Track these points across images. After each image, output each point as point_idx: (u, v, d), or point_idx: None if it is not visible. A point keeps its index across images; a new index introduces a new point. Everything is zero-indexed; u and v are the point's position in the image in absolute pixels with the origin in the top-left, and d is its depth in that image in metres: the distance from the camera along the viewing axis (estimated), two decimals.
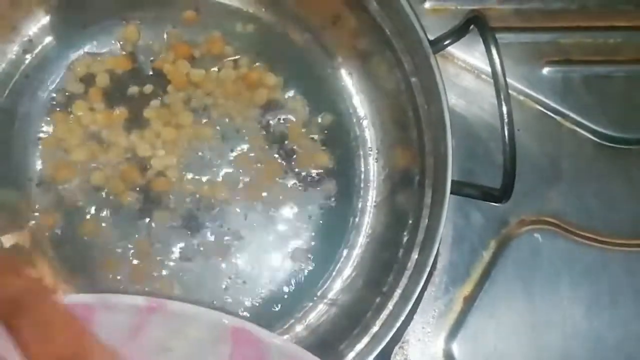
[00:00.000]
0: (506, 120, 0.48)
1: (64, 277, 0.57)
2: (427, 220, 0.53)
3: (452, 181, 0.51)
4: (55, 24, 0.59)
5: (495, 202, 0.52)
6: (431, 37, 0.55)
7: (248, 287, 0.58)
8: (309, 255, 0.58)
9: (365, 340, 0.51)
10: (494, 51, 0.49)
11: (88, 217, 0.57)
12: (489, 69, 0.51)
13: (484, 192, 0.53)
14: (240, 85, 0.60)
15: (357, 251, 0.59)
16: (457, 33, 0.53)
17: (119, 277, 0.57)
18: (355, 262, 0.59)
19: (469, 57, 0.63)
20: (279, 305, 0.58)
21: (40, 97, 0.59)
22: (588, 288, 0.61)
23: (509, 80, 0.61)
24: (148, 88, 0.59)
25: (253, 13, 0.61)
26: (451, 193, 0.51)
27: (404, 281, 0.52)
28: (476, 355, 0.59)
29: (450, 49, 0.61)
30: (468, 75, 0.63)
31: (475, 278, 0.60)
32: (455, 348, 0.59)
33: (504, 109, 0.48)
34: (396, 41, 0.55)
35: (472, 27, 0.52)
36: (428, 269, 0.50)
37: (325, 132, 0.60)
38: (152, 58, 0.60)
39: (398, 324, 0.50)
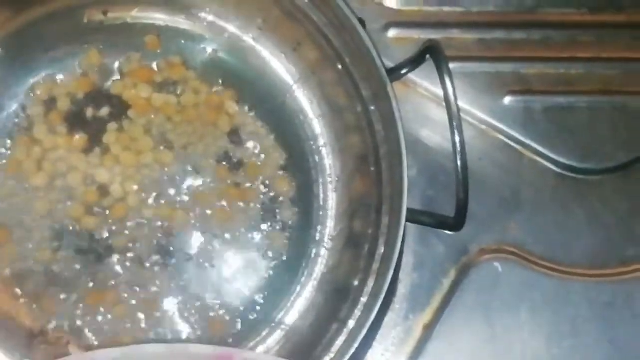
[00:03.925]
0: (459, 149, 0.49)
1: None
2: (383, 248, 0.53)
3: (408, 209, 0.51)
4: (16, 48, 0.59)
5: (450, 231, 0.52)
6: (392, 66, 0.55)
7: (205, 314, 0.57)
8: (267, 283, 0.58)
9: None
10: (447, 80, 0.49)
11: (45, 241, 0.57)
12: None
13: (439, 220, 0.53)
14: (201, 111, 0.60)
15: (315, 279, 0.59)
16: (414, 62, 0.54)
17: (73, 300, 0.57)
18: (313, 289, 0.58)
19: (431, 86, 0.63)
20: (236, 332, 0.57)
21: (0, 120, 0.58)
22: (548, 318, 0.60)
23: (471, 109, 0.63)
24: (109, 112, 0.59)
25: (214, 39, 0.61)
26: (407, 221, 0.52)
27: (359, 309, 0.52)
28: None
29: (413, 77, 0.62)
30: (431, 104, 0.63)
31: (435, 306, 0.60)
32: None
33: (457, 138, 0.49)
34: (355, 69, 0.56)
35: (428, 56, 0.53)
36: (382, 297, 0.50)
37: (286, 159, 0.60)
38: (113, 81, 0.60)
39: (352, 351, 0.50)
